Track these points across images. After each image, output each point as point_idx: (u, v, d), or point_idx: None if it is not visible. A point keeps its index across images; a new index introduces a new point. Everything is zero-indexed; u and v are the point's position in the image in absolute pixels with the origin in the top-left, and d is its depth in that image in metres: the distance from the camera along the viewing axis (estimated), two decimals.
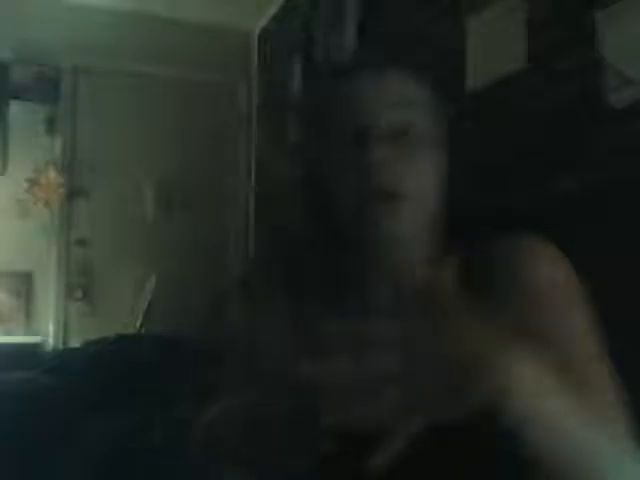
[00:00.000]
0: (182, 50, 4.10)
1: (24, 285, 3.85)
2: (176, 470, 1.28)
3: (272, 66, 4.11)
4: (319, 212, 0.80)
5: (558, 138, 1.73)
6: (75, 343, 3.67)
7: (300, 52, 3.50)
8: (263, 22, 4.28)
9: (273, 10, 4.09)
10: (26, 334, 3.77)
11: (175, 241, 4.11)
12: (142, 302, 3.59)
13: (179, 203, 4.18)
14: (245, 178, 4.44)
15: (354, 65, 0.81)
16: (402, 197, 0.72)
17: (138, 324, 3.50)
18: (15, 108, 3.88)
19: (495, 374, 0.57)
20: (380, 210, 0.71)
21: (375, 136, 0.73)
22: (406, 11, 2.51)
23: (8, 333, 3.70)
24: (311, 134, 0.81)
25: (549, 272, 0.73)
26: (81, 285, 3.98)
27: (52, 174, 3.88)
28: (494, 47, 1.93)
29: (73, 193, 3.98)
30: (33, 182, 3.85)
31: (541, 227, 0.84)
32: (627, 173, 1.50)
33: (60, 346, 3.86)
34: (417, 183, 0.73)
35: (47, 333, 3.87)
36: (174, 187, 4.17)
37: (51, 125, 3.94)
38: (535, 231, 0.80)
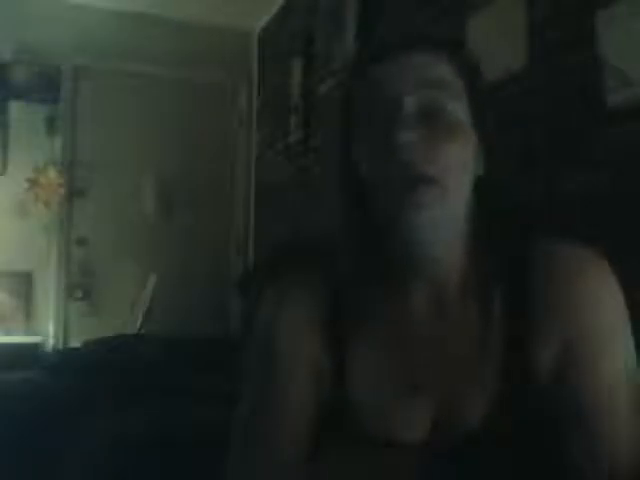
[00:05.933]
0: (182, 50, 4.10)
1: (24, 285, 3.85)
2: (177, 469, 1.28)
3: (272, 66, 4.11)
4: (356, 200, 0.78)
5: (557, 138, 1.73)
6: (75, 343, 3.67)
7: (300, 52, 3.50)
8: (263, 22, 4.28)
9: (273, 10, 4.09)
10: (26, 334, 3.77)
11: (175, 241, 4.11)
12: (142, 302, 3.59)
13: (179, 203, 4.18)
14: (245, 178, 4.44)
15: (387, 48, 0.76)
16: (431, 180, 0.69)
17: (138, 324, 3.49)
18: (15, 108, 3.88)
19: None
20: (411, 193, 0.69)
21: (404, 116, 0.70)
22: (406, 11, 2.51)
23: (8, 333, 3.70)
24: (346, 121, 0.78)
25: (596, 296, 0.72)
26: (81, 285, 3.98)
27: (52, 174, 3.88)
28: (494, 47, 1.93)
29: (73, 193, 3.98)
30: (33, 182, 3.85)
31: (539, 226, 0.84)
32: (626, 173, 1.50)
33: (60, 346, 3.86)
34: (448, 168, 0.70)
35: (47, 333, 3.87)
36: (174, 187, 4.17)
37: (51, 125, 3.94)
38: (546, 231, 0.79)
